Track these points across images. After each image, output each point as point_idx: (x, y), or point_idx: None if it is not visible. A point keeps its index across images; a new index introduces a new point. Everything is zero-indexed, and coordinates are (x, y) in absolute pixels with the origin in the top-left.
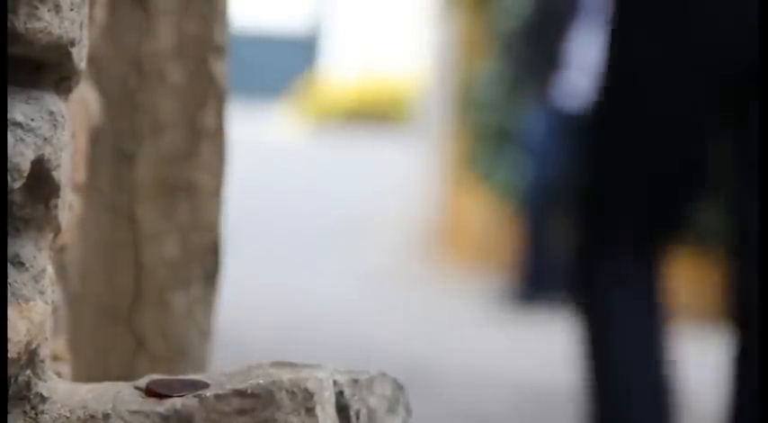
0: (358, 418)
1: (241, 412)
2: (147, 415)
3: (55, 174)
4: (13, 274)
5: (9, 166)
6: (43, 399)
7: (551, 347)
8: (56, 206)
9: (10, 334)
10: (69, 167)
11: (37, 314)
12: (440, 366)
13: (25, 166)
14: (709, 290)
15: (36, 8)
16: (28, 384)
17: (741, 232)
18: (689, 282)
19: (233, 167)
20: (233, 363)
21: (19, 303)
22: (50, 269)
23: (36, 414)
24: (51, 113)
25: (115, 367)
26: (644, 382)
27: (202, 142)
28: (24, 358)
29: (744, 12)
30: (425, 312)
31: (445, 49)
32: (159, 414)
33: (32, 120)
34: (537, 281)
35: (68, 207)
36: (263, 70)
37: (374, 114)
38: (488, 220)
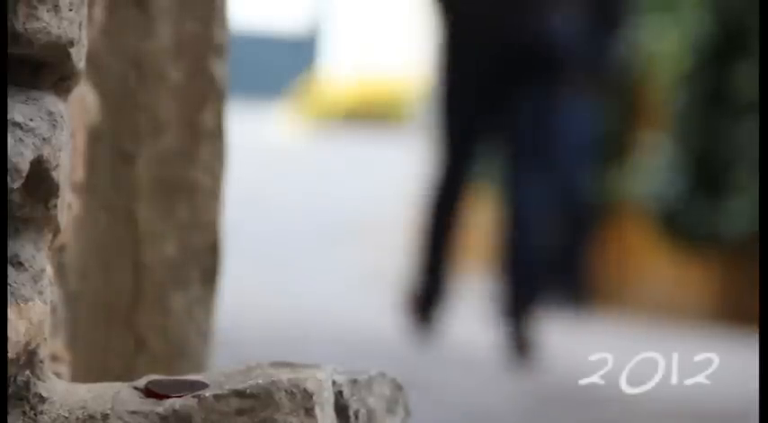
0: (357, 418)
1: (240, 412)
2: (145, 415)
3: (54, 174)
4: (12, 274)
5: (8, 166)
6: (42, 399)
7: (552, 343)
8: (55, 206)
9: (9, 334)
10: (68, 167)
11: (36, 314)
12: (439, 366)
13: (24, 167)
14: (709, 290)
15: (35, 8)
16: (27, 385)
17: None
18: (690, 282)
19: (232, 167)
20: (232, 363)
21: (18, 304)
22: (49, 269)
23: (35, 414)
24: (50, 114)
25: (114, 367)
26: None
27: (202, 142)
28: (23, 358)
29: (522, 15)
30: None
31: None
32: (158, 414)
33: (31, 120)
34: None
35: (67, 207)
36: (262, 70)
37: (374, 114)
38: (489, 220)
